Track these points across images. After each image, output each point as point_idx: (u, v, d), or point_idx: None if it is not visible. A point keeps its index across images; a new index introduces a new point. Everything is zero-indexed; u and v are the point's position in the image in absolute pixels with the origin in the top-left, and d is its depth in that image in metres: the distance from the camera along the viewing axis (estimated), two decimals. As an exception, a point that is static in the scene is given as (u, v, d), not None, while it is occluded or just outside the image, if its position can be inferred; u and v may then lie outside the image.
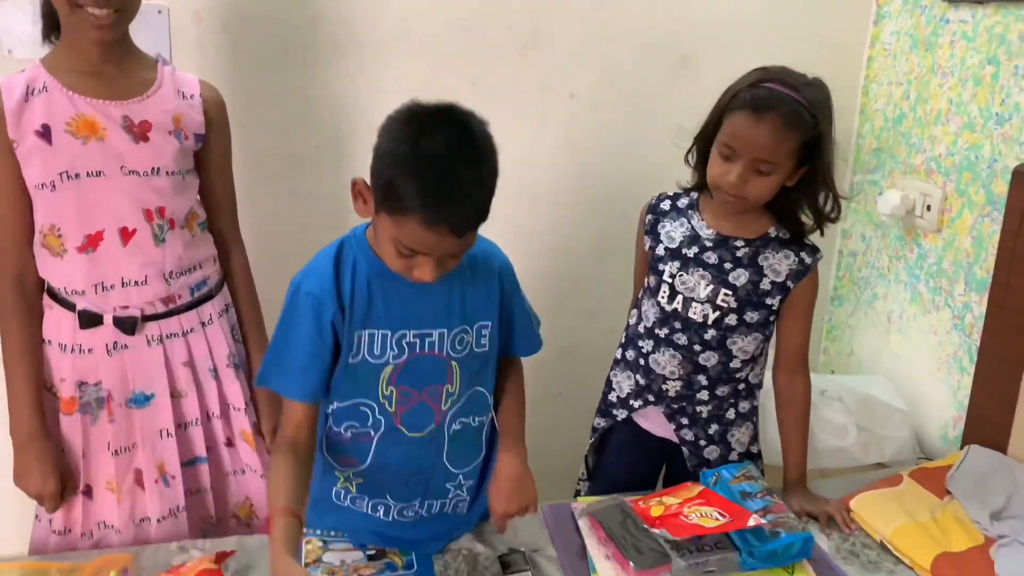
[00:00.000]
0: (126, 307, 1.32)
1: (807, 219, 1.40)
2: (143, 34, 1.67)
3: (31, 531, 1.41)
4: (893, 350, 2.00)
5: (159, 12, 1.67)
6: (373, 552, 1.31)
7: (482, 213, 1.09)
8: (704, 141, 1.38)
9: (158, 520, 1.40)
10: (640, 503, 1.37)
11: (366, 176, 1.11)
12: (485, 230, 1.14)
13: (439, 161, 1.04)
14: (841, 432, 1.72)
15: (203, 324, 1.40)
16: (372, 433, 1.23)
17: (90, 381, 1.34)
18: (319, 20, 1.77)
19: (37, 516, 1.40)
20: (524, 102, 1.92)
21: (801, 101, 1.27)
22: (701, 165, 1.40)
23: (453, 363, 1.22)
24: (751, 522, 1.27)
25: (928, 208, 1.84)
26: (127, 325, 1.32)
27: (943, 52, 1.82)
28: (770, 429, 1.52)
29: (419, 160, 1.04)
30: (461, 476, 1.30)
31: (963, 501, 1.43)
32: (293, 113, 1.81)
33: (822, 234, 1.41)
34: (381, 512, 1.30)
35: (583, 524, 1.37)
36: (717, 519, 1.28)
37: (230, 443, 1.47)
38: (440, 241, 1.06)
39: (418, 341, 1.19)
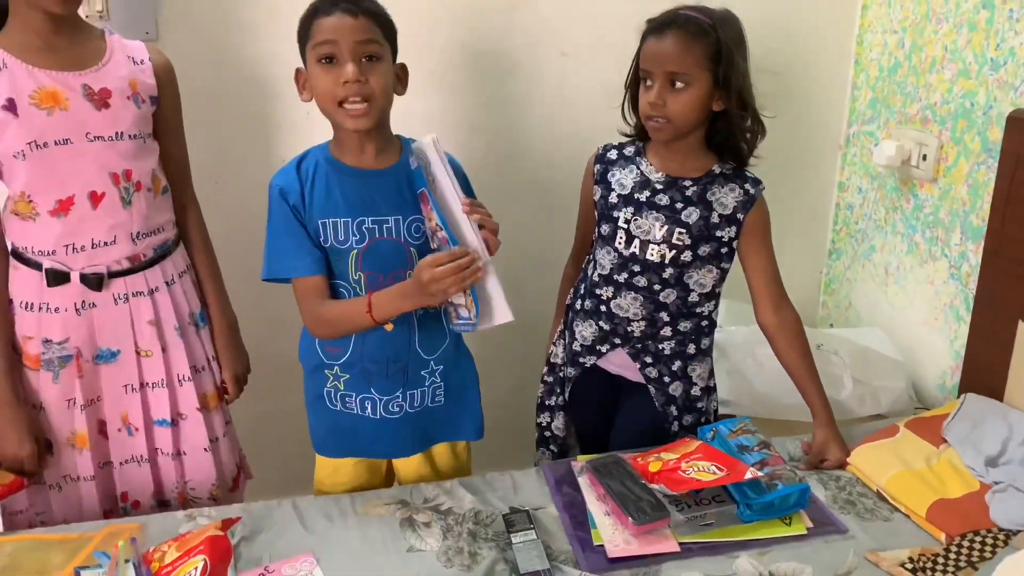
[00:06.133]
0: (93, 265, 1.36)
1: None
2: (128, 5, 1.68)
3: None
4: (891, 301, 2.00)
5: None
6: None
7: (374, 7, 1.28)
8: (633, 86, 1.45)
9: (121, 463, 1.46)
10: (639, 459, 1.38)
11: None
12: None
13: None
14: (837, 385, 1.73)
15: (167, 284, 1.44)
16: None
17: (55, 339, 1.36)
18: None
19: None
20: (514, 61, 1.90)
21: (699, 15, 1.36)
22: (636, 111, 1.46)
23: (412, 249, 1.34)
24: (748, 475, 1.28)
25: (924, 158, 1.83)
26: (93, 281, 1.35)
27: (938, -3, 1.79)
28: (760, 380, 1.54)
29: None
30: (432, 362, 1.42)
31: (959, 448, 1.45)
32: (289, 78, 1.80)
33: (750, 153, 1.45)
34: (369, 409, 1.41)
35: (583, 482, 1.39)
36: (714, 473, 1.30)
37: (203, 407, 1.49)
38: (340, 22, 1.24)
39: (376, 227, 1.33)
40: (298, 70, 1.33)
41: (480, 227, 1.24)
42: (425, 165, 1.26)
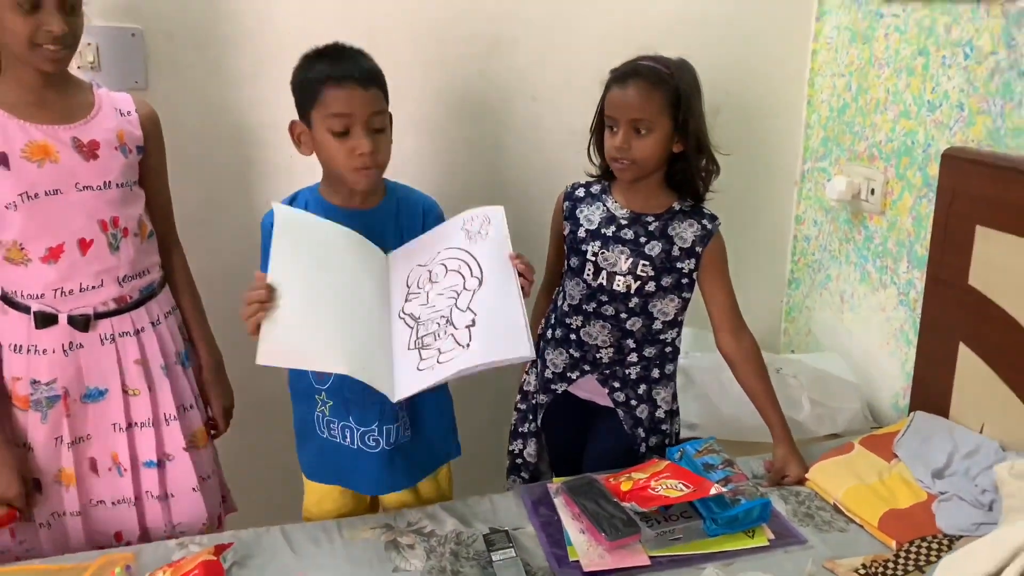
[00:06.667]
0: (80, 307, 1.40)
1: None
2: (119, 57, 1.75)
3: None
4: (847, 328, 2.11)
5: (132, 35, 1.74)
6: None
7: (378, 72, 1.36)
8: (598, 131, 1.57)
9: (112, 503, 1.49)
10: (611, 480, 1.46)
11: None
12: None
13: (330, 46, 1.37)
14: (796, 406, 1.83)
15: (153, 324, 1.49)
16: None
17: (43, 380, 1.40)
18: (286, 36, 1.84)
19: None
20: (488, 106, 2.01)
21: (659, 66, 1.47)
22: (601, 153, 1.57)
23: None
24: (712, 491, 1.37)
25: (872, 192, 1.96)
26: (80, 323, 1.40)
27: (879, 45, 1.93)
28: (725, 404, 1.62)
29: (316, 52, 1.37)
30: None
31: (908, 463, 1.55)
32: (273, 125, 1.88)
33: (705, 191, 1.56)
34: (348, 438, 1.45)
35: (558, 502, 1.46)
36: (682, 490, 1.38)
37: (191, 446, 1.53)
38: (353, 95, 1.31)
39: None
40: (294, 123, 1.38)
41: (519, 274, 1.29)
42: (474, 230, 1.38)
